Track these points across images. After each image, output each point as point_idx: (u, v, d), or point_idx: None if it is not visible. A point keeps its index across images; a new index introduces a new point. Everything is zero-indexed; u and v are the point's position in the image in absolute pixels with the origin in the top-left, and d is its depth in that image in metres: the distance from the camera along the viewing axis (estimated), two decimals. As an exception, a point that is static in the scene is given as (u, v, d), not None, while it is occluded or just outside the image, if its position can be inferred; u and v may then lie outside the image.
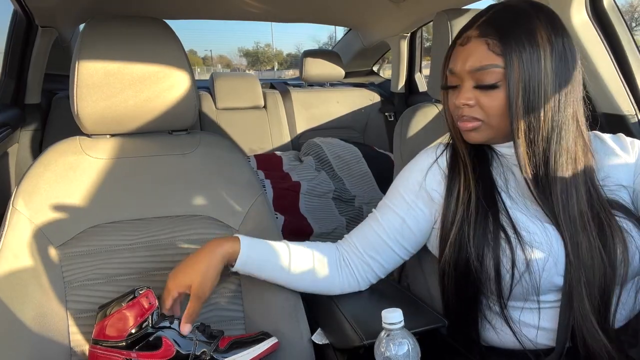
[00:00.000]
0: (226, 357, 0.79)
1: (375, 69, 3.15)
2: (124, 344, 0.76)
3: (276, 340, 0.84)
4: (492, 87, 0.76)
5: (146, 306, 0.77)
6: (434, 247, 0.88)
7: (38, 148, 1.97)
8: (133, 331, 0.76)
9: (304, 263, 0.88)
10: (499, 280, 0.77)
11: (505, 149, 0.84)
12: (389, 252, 0.88)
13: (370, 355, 0.64)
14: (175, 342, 0.78)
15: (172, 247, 0.91)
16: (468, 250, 0.78)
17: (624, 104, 1.23)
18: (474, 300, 0.82)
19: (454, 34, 1.09)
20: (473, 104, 0.78)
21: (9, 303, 0.80)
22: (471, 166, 0.83)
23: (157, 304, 0.78)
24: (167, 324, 0.79)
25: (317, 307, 0.93)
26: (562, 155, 0.77)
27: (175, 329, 0.79)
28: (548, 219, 0.78)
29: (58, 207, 0.87)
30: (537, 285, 0.76)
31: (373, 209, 0.92)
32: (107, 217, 0.90)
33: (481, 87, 0.77)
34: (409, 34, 2.36)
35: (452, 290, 0.83)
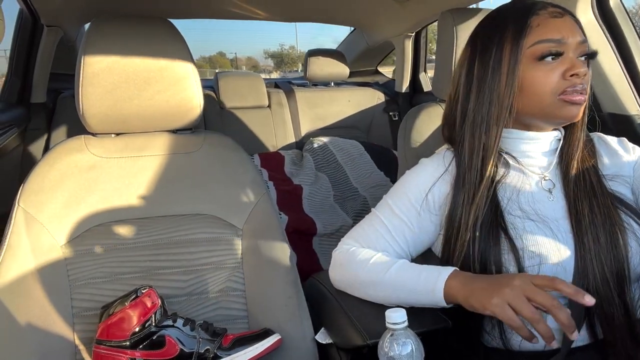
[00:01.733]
0: (230, 355, 0.79)
1: (389, 71, 3.13)
2: (127, 343, 0.76)
3: (279, 337, 0.84)
4: (592, 56, 0.79)
5: (149, 305, 0.77)
6: (438, 252, 0.87)
7: (43, 147, 1.98)
8: (136, 330, 0.76)
9: None
10: None
11: (524, 145, 0.83)
12: (396, 256, 0.87)
13: (374, 355, 0.64)
14: (179, 340, 0.78)
15: (177, 245, 0.91)
16: (472, 260, 0.77)
17: (630, 104, 1.22)
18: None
19: (459, 34, 1.09)
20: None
21: (15, 301, 0.80)
22: (482, 173, 0.81)
23: (159, 302, 0.79)
24: (170, 322, 0.79)
25: (321, 306, 0.92)
26: (584, 149, 0.81)
27: (178, 328, 0.79)
28: (560, 224, 0.78)
29: (63, 206, 0.88)
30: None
31: (373, 209, 0.90)
32: (112, 216, 0.90)
33: (589, 55, 0.78)
34: (413, 34, 2.35)
35: None
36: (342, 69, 2.57)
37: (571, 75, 0.75)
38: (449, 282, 0.73)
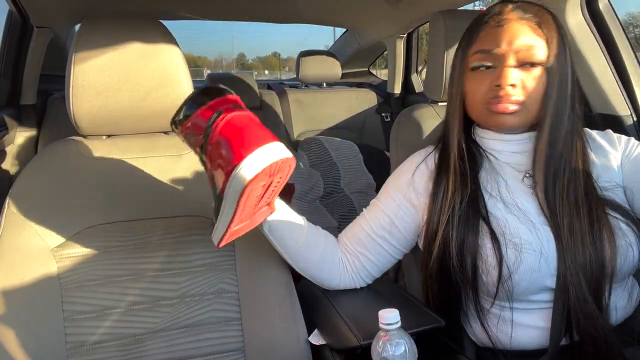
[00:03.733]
0: None
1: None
2: None
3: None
4: (539, 65, 0.77)
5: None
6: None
7: (33, 149, 1.96)
8: None
9: (318, 244, 0.89)
10: (475, 281, 0.78)
11: (501, 144, 0.84)
12: (379, 249, 0.90)
13: (367, 355, 0.64)
14: None
15: (169, 247, 0.91)
16: (450, 251, 0.79)
17: (620, 104, 1.23)
18: (456, 301, 0.83)
19: (450, 35, 1.09)
20: (518, 84, 0.78)
21: (4, 305, 0.80)
22: (459, 168, 0.83)
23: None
24: None
25: (314, 307, 0.93)
26: (572, 150, 0.79)
27: None
28: (542, 219, 0.78)
29: (53, 209, 0.87)
30: (528, 287, 0.76)
31: (364, 209, 0.93)
32: (103, 218, 0.89)
33: (529, 65, 0.77)
34: (405, 35, 2.36)
35: (435, 289, 0.85)
36: (334, 70, 2.57)
37: (496, 86, 0.78)
38: None
